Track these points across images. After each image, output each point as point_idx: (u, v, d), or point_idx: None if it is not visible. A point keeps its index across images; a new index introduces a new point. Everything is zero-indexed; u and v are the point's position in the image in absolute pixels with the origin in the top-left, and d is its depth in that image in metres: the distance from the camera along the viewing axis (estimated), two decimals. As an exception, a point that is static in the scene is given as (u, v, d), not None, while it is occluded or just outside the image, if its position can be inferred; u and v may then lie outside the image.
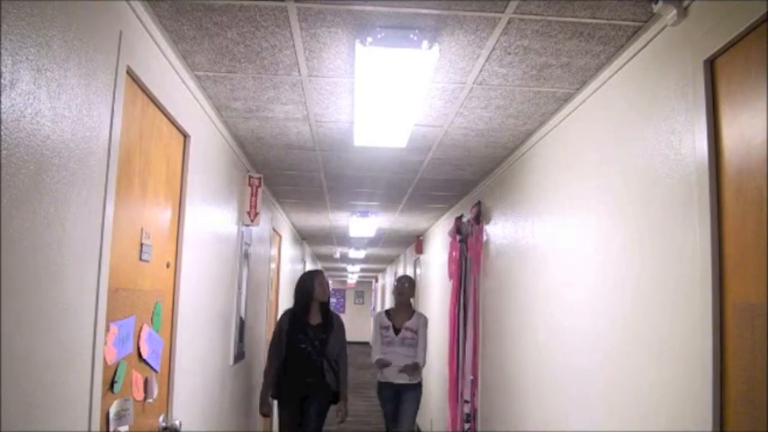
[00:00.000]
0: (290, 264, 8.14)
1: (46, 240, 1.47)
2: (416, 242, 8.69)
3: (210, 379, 3.41)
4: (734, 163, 1.68)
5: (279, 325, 4.78)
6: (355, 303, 25.16)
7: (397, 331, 5.29)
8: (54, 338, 1.53)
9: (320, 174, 4.84)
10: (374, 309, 21.65)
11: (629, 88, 2.32)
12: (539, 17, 2.11)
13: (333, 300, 26.09)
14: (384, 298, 17.15)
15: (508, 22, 2.15)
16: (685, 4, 1.90)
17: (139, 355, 2.20)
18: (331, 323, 4.81)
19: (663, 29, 2.04)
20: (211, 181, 3.28)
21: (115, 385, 1.98)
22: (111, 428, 1.94)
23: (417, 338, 5.29)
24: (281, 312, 7.52)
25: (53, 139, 1.49)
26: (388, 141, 3.61)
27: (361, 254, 11.77)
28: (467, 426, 4.92)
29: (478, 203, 4.90)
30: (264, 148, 4.00)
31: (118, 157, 1.89)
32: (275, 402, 5.00)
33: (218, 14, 2.14)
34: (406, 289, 5.49)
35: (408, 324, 5.30)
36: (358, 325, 24.04)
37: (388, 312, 5.47)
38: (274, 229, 6.29)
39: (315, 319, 4.78)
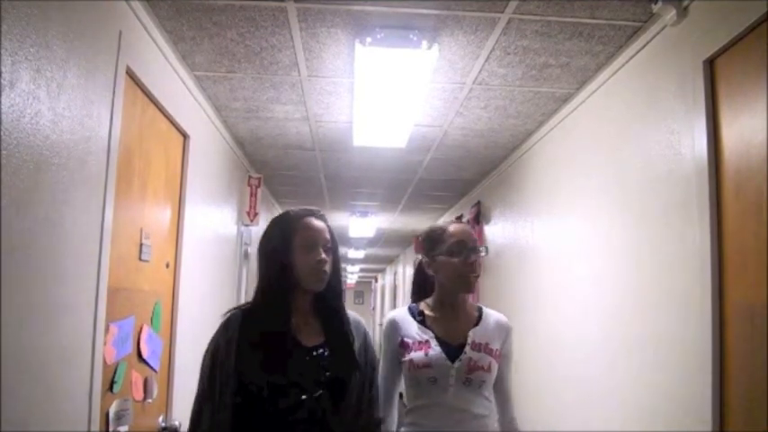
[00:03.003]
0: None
1: (45, 240, 1.47)
2: (416, 242, 8.69)
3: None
4: (733, 163, 1.68)
5: (212, 353, 1.66)
6: (355, 303, 25.15)
7: (453, 352, 1.89)
8: (53, 338, 1.53)
9: (320, 174, 4.83)
10: (374, 308, 21.60)
11: (628, 88, 2.32)
12: (538, 17, 2.11)
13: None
14: (384, 299, 17.07)
15: (508, 22, 2.15)
16: (685, 4, 1.90)
17: (139, 355, 2.20)
18: (347, 340, 1.74)
19: (662, 29, 2.04)
20: (211, 181, 3.28)
21: (115, 385, 1.98)
22: (111, 428, 1.94)
23: (495, 370, 1.94)
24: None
25: (53, 139, 1.49)
26: (387, 141, 3.61)
27: (360, 254, 11.76)
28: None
29: (478, 203, 4.90)
30: (264, 148, 4.00)
31: (117, 157, 1.89)
32: None
33: (218, 15, 2.14)
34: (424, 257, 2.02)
35: (479, 336, 1.93)
36: (358, 325, 24.03)
37: (418, 311, 1.99)
38: (274, 230, 6.27)
39: (308, 334, 1.71)
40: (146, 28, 2.12)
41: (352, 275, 20.46)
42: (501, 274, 4.25)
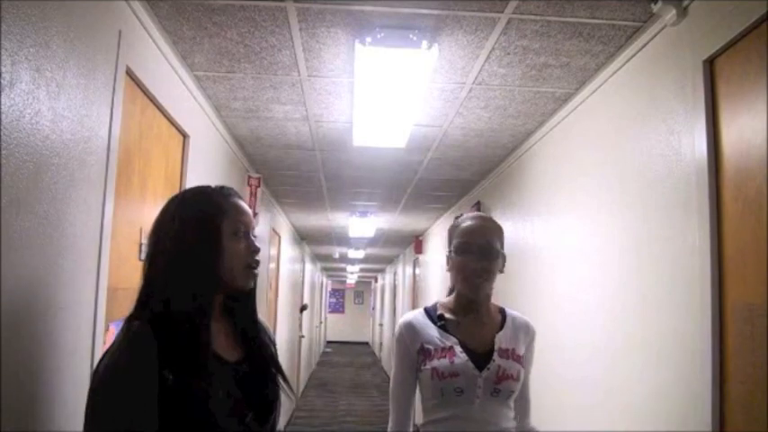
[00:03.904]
0: (290, 264, 8.13)
1: (45, 240, 1.47)
2: (416, 242, 8.69)
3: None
4: (733, 163, 1.68)
5: (120, 380, 1.20)
6: (355, 303, 25.17)
7: (481, 360, 1.72)
8: (53, 338, 1.53)
9: (319, 174, 4.84)
10: (374, 308, 21.60)
11: (628, 88, 2.32)
12: (538, 17, 2.11)
13: (332, 300, 25.19)
14: (384, 299, 17.06)
15: (507, 22, 2.15)
16: (685, 4, 1.90)
17: (139, 355, 2.20)
18: (271, 354, 1.48)
19: (662, 29, 2.04)
20: (210, 181, 3.25)
21: (114, 385, 1.97)
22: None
23: (523, 379, 1.78)
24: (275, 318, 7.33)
25: (52, 139, 1.49)
26: (387, 141, 3.61)
27: (360, 254, 11.76)
28: None
29: (478, 203, 4.90)
30: (264, 148, 4.00)
31: (117, 156, 1.89)
32: None
33: (218, 14, 2.14)
34: (486, 247, 1.78)
35: (505, 341, 1.77)
36: (358, 326, 24.07)
37: (437, 315, 1.82)
38: (273, 230, 6.29)
39: (225, 345, 1.38)
40: (145, 28, 2.12)
41: (351, 275, 20.49)
42: (500, 275, 4.24)
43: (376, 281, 20.74)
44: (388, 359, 13.50)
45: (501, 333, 1.77)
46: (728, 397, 1.66)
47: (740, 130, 1.65)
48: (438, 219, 7.11)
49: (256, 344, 1.42)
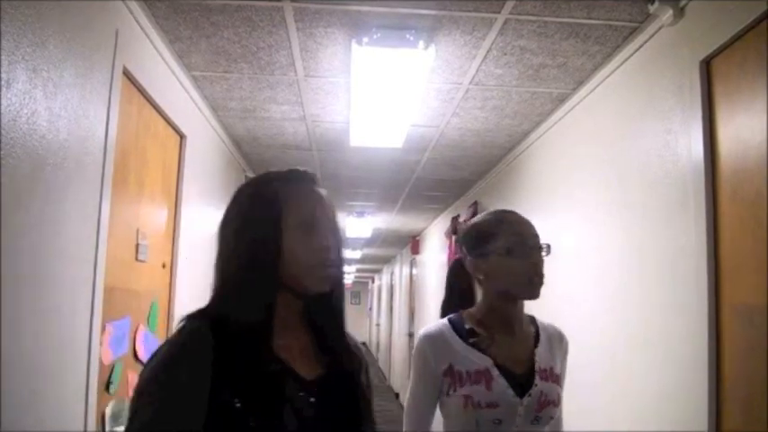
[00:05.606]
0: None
1: (41, 240, 1.47)
2: (413, 242, 8.69)
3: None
4: (730, 164, 1.68)
5: (167, 386, 0.98)
6: (352, 303, 25.17)
7: (520, 385, 1.44)
8: (49, 339, 1.52)
9: (317, 174, 4.83)
10: (371, 309, 21.60)
11: (625, 88, 2.33)
12: (535, 17, 2.11)
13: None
14: (381, 299, 17.07)
15: (504, 23, 2.15)
16: (681, 4, 1.91)
17: (135, 355, 2.19)
18: (355, 375, 1.15)
19: (659, 29, 2.05)
20: (208, 181, 3.28)
21: (111, 386, 1.97)
22: (107, 429, 1.94)
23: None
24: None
25: (49, 138, 1.48)
26: (384, 142, 3.61)
27: (357, 254, 11.75)
28: None
29: (475, 203, 4.91)
30: (261, 148, 4.00)
31: (114, 157, 1.89)
32: None
33: (215, 14, 2.13)
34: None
35: (544, 359, 1.50)
36: (355, 326, 24.09)
37: (467, 329, 1.51)
38: (271, 230, 6.27)
39: (304, 360, 1.10)
40: (142, 27, 2.11)
41: (349, 276, 20.52)
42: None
43: (373, 281, 20.73)
44: (386, 359, 13.50)
45: (538, 350, 1.50)
46: (725, 397, 1.66)
47: (737, 130, 1.65)
48: (435, 219, 7.11)
49: (340, 358, 1.14)
